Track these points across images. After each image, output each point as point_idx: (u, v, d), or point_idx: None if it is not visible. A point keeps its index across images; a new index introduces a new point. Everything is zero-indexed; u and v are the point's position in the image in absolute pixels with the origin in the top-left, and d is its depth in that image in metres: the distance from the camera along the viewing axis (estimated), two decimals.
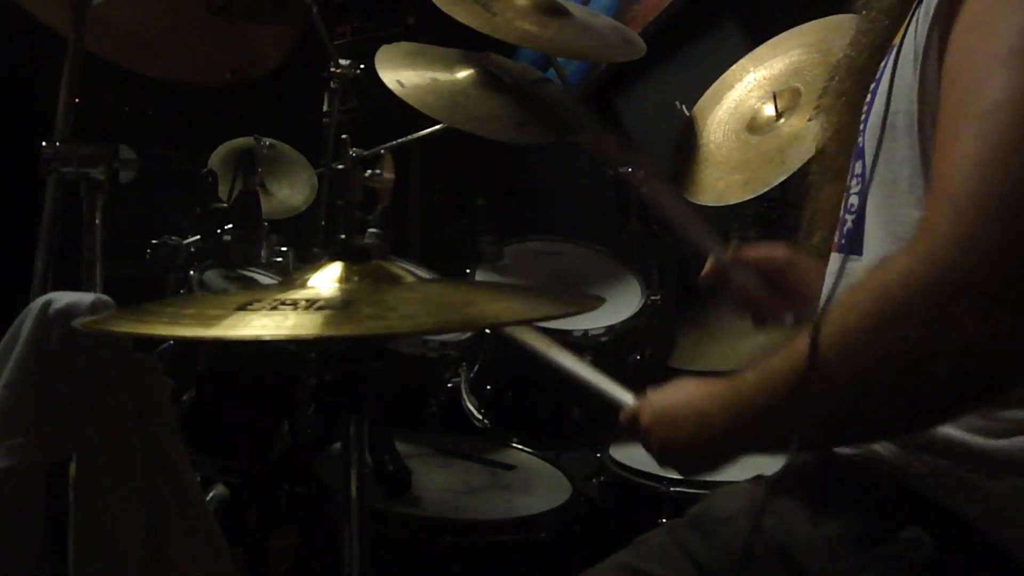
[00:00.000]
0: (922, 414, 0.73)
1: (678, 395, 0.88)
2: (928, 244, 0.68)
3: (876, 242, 0.84)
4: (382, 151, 1.61)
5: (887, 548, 0.79)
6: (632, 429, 0.93)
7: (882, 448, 0.83)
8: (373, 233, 1.76)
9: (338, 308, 0.73)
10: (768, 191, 1.74)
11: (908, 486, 0.81)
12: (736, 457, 0.85)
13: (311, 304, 0.71)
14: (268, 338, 0.64)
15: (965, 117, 0.71)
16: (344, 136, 1.00)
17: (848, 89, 0.98)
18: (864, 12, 0.94)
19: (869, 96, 0.89)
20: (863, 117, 0.89)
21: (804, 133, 1.72)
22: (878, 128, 0.83)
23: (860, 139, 0.89)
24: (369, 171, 0.94)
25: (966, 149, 0.69)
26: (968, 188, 0.67)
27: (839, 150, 0.98)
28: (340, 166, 0.86)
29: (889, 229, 0.82)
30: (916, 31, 0.80)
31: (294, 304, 0.72)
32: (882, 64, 0.87)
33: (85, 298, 1.12)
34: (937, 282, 0.66)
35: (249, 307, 0.73)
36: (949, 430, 0.80)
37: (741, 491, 0.97)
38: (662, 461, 0.91)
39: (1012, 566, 0.76)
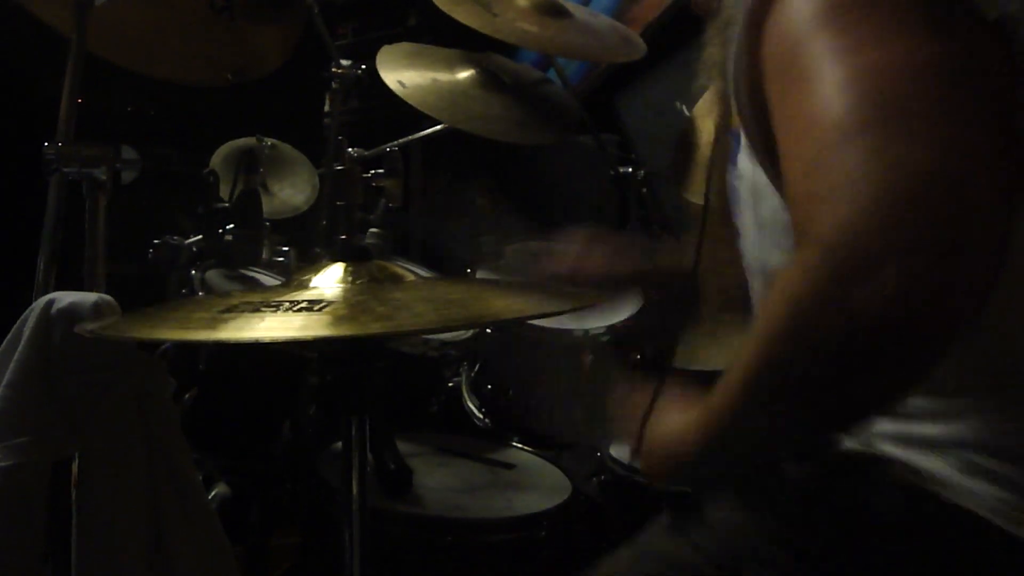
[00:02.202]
0: (856, 406, 0.71)
1: (659, 427, 0.90)
2: (801, 252, 0.68)
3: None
4: (387, 150, 1.61)
5: (866, 534, 0.82)
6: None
7: (849, 442, 0.86)
8: (374, 233, 1.77)
9: (342, 308, 0.73)
10: None
11: (881, 473, 0.83)
12: (723, 474, 0.88)
13: (313, 305, 0.72)
14: (271, 340, 0.65)
15: (791, 132, 0.72)
16: (340, 137, 1.00)
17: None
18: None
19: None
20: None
21: None
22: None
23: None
24: (371, 171, 0.94)
25: (797, 154, 0.70)
26: (807, 187, 0.68)
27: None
28: (339, 167, 0.86)
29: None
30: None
31: (297, 306, 0.72)
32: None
33: (88, 298, 1.12)
34: (817, 283, 0.66)
35: (237, 309, 0.73)
36: (884, 422, 0.83)
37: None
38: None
39: (988, 534, 0.78)
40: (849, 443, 0.86)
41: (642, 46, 2.01)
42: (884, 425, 0.84)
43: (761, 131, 0.78)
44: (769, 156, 0.78)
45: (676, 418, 0.87)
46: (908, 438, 0.82)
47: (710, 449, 0.81)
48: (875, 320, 0.63)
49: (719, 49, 0.90)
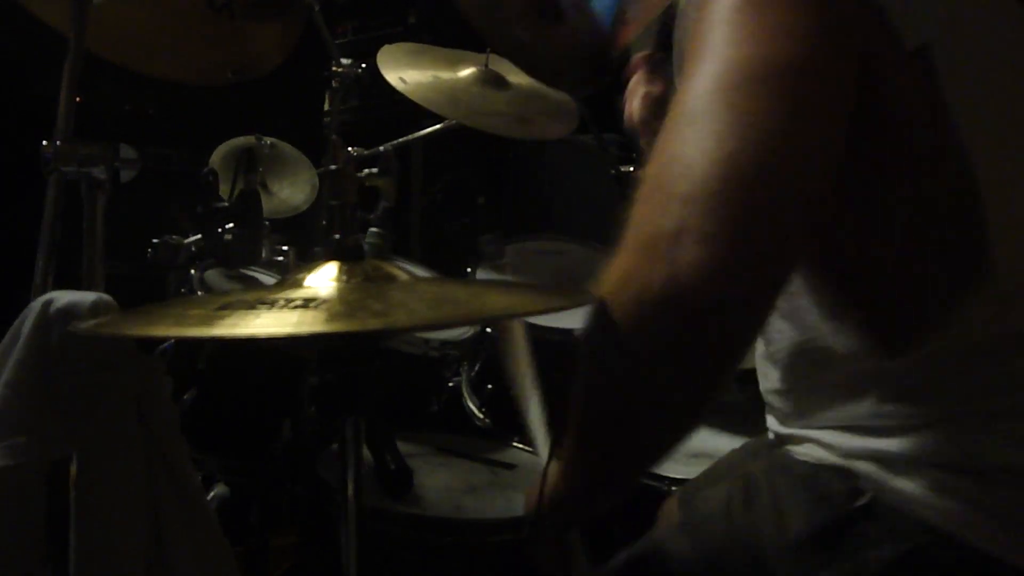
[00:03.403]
0: (682, 387, 0.72)
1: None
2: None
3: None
4: (381, 149, 1.61)
5: (848, 545, 0.82)
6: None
7: (826, 455, 0.87)
8: (374, 232, 1.77)
9: (337, 305, 0.73)
10: None
11: (855, 487, 0.83)
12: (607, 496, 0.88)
13: (309, 302, 0.71)
14: (266, 336, 0.65)
15: None
16: (335, 136, 1.00)
17: None
18: None
19: None
20: None
21: None
22: None
23: None
24: (366, 170, 0.94)
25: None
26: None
27: None
28: (333, 166, 0.86)
29: None
30: None
31: (292, 303, 0.72)
32: None
33: (86, 297, 1.12)
34: (630, 242, 0.70)
35: (233, 306, 0.73)
36: (855, 439, 0.84)
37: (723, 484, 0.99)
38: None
39: (967, 556, 0.78)
40: (830, 458, 0.86)
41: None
42: (856, 442, 0.84)
43: None
44: None
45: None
46: (880, 456, 0.82)
47: (576, 474, 0.82)
48: (648, 297, 0.66)
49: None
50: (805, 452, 0.90)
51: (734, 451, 1.19)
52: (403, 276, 0.85)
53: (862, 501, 0.82)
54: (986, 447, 0.79)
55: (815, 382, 0.89)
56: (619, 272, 0.71)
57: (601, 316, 0.71)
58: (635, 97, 1.18)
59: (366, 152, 1.86)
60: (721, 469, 1.17)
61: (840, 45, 0.72)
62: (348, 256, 0.83)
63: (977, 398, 0.80)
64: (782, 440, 0.96)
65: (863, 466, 0.83)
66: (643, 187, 0.72)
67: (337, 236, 0.84)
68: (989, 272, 0.78)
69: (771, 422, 0.99)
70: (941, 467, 0.79)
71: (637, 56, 1.21)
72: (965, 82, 0.79)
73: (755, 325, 0.71)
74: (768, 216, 0.66)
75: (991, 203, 0.78)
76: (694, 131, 0.69)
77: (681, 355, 0.68)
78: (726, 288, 0.65)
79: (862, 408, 0.84)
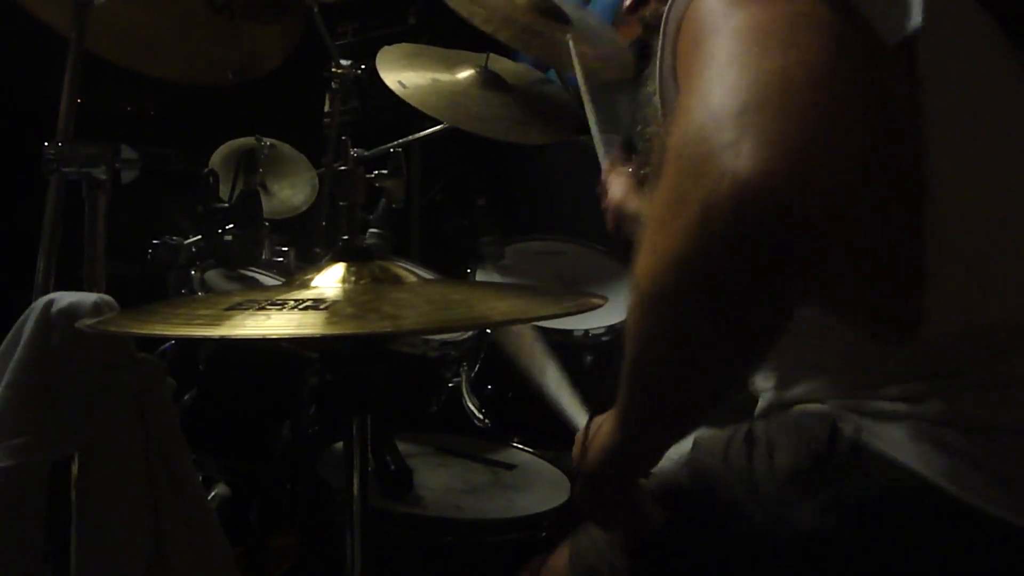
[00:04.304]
0: (739, 314, 0.69)
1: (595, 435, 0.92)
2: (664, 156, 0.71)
3: None
4: (391, 150, 1.61)
5: (830, 479, 0.84)
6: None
7: (818, 406, 0.90)
8: (374, 233, 1.77)
9: (347, 307, 0.73)
10: None
11: (837, 430, 0.86)
12: (644, 464, 0.90)
13: (318, 304, 0.72)
14: (279, 336, 0.65)
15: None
16: (344, 137, 1.00)
17: None
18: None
19: None
20: None
21: None
22: None
23: None
24: (376, 171, 0.95)
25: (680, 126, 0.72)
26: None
27: None
28: (342, 167, 0.86)
29: None
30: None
31: (302, 304, 0.72)
32: None
33: (87, 298, 1.12)
34: (677, 165, 0.68)
35: (241, 307, 0.73)
36: (845, 393, 0.87)
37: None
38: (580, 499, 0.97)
39: (948, 503, 0.80)
40: (819, 408, 0.89)
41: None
42: (845, 395, 0.87)
43: None
44: None
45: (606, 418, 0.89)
46: (867, 407, 0.85)
47: (633, 421, 0.83)
48: (714, 214, 0.63)
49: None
50: (800, 406, 0.93)
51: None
52: (410, 278, 0.85)
53: (845, 442, 0.85)
54: (975, 406, 0.82)
55: (805, 355, 0.91)
56: (668, 199, 0.68)
57: (653, 254, 0.69)
58: (613, 186, 1.18)
59: (366, 153, 1.86)
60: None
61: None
62: (356, 257, 0.83)
63: (970, 370, 0.83)
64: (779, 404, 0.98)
65: (849, 414, 0.86)
66: (677, 123, 0.70)
67: (345, 237, 0.84)
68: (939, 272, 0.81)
69: (763, 401, 1.01)
70: (928, 420, 0.82)
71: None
72: (943, 80, 0.81)
73: (827, 238, 0.65)
74: (834, 122, 0.65)
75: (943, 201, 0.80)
76: (726, 63, 0.69)
77: (758, 266, 0.64)
78: (801, 188, 0.63)
79: (851, 372, 0.88)
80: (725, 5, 0.74)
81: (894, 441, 0.83)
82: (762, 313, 0.69)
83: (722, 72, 0.69)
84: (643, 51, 1.11)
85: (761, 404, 1.02)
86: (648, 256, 0.70)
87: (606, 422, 0.89)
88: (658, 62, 0.87)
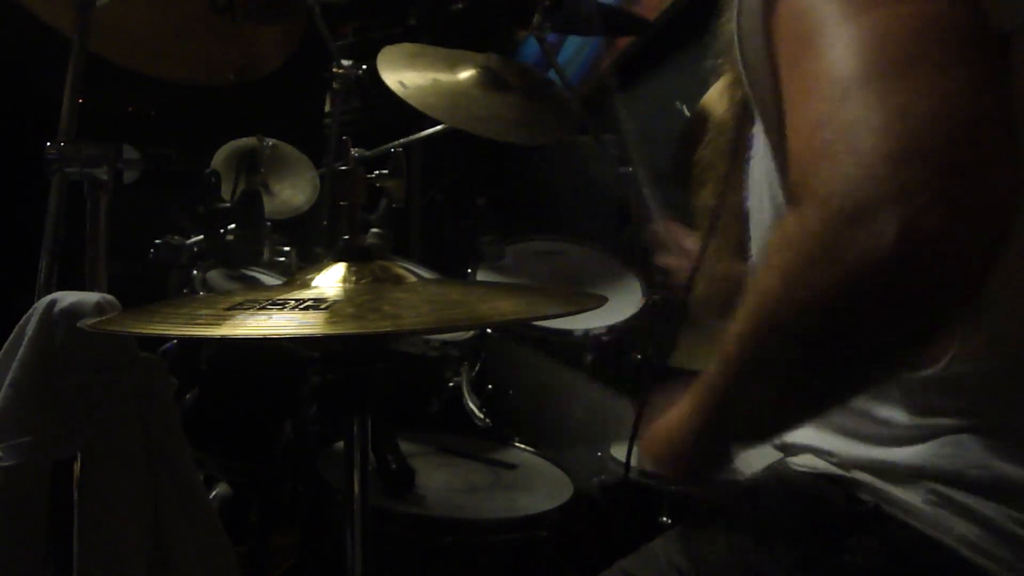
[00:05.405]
0: (859, 362, 0.68)
1: (659, 421, 0.90)
2: (797, 207, 0.66)
3: None
4: (392, 150, 1.62)
5: (837, 559, 0.81)
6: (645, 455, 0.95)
7: (825, 466, 0.87)
8: (375, 233, 1.77)
9: (348, 307, 0.73)
10: None
11: (854, 497, 0.83)
12: (727, 452, 0.86)
13: (319, 303, 0.72)
14: (280, 336, 0.65)
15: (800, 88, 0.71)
16: (345, 137, 1.00)
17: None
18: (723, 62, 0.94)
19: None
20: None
21: None
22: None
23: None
24: (376, 171, 0.95)
25: (802, 114, 0.69)
26: (810, 144, 0.67)
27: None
28: (343, 167, 0.86)
29: None
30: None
31: (303, 304, 0.72)
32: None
33: (90, 298, 1.12)
34: (810, 235, 0.64)
35: (242, 307, 0.74)
36: (861, 448, 0.83)
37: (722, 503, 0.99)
38: (668, 476, 0.93)
39: (956, 565, 0.78)
40: (828, 467, 0.87)
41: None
42: (856, 449, 0.84)
43: (776, 107, 0.76)
44: (781, 133, 0.77)
45: (674, 409, 0.86)
46: (880, 466, 0.82)
47: (711, 426, 0.81)
48: (870, 269, 0.60)
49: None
50: (803, 463, 0.91)
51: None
52: (410, 278, 0.85)
53: (860, 511, 0.82)
54: (996, 462, 0.78)
55: None
56: (810, 248, 0.64)
57: (791, 301, 0.66)
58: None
59: (367, 153, 1.87)
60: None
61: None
62: (357, 257, 0.83)
63: (997, 415, 0.79)
64: (783, 449, 0.96)
65: (862, 476, 0.83)
66: (806, 164, 0.66)
67: (346, 237, 0.84)
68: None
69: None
70: (943, 480, 0.79)
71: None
72: None
73: (977, 290, 0.64)
74: (991, 169, 0.61)
75: None
76: (868, 96, 0.63)
77: (906, 323, 0.63)
78: (961, 248, 0.60)
79: (866, 416, 0.84)
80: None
81: (910, 505, 0.80)
82: (891, 358, 0.68)
83: (865, 104, 0.63)
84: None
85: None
86: (784, 291, 0.67)
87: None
88: (736, 39, 0.81)
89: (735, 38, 0.81)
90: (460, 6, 2.78)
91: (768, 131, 0.83)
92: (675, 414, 0.86)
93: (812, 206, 0.64)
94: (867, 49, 0.65)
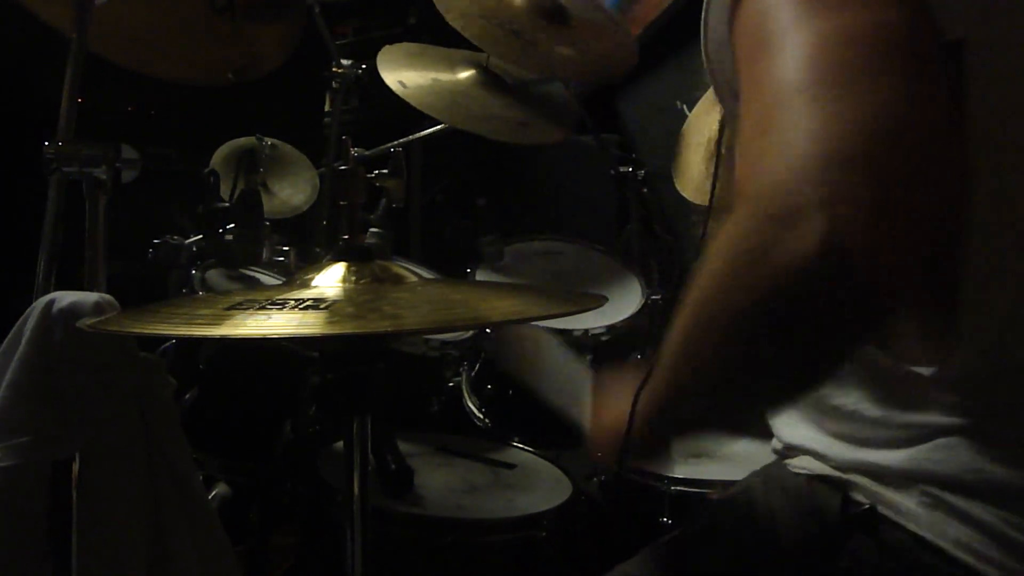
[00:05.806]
0: (795, 361, 0.69)
1: (609, 407, 0.91)
2: (735, 209, 0.68)
3: None
4: (391, 150, 1.62)
5: (833, 561, 0.82)
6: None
7: (821, 468, 0.87)
8: (374, 233, 1.77)
9: (348, 307, 0.73)
10: None
11: (850, 499, 0.83)
12: (665, 442, 0.90)
13: (319, 303, 0.72)
14: (280, 336, 0.65)
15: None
16: (345, 137, 1.00)
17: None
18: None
19: None
20: None
21: None
22: None
23: None
24: (376, 171, 0.95)
25: (748, 116, 0.70)
26: (751, 147, 0.68)
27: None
28: (343, 167, 0.86)
29: None
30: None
31: (303, 304, 0.72)
32: None
33: (88, 297, 1.12)
34: (744, 235, 0.66)
35: (242, 307, 0.73)
36: (857, 451, 0.83)
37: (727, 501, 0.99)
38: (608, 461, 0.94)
39: (950, 566, 0.78)
40: (825, 470, 0.87)
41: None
42: (853, 453, 0.84)
43: (734, 97, 0.77)
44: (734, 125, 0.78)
45: (623, 395, 0.87)
46: (876, 469, 0.82)
47: (652, 416, 0.82)
48: (796, 271, 0.62)
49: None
50: (799, 465, 0.91)
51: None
52: (410, 278, 0.85)
53: (856, 513, 0.82)
54: (988, 465, 0.77)
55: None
56: (743, 248, 0.66)
57: (721, 291, 0.68)
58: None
59: (367, 152, 1.86)
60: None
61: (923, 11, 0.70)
62: (357, 257, 0.83)
63: (989, 418, 0.78)
64: (780, 451, 0.96)
65: (857, 478, 0.83)
66: (751, 166, 0.68)
67: (346, 237, 0.84)
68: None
69: (773, 426, 1.00)
70: (937, 483, 0.79)
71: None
72: (993, 83, 0.75)
73: (908, 294, 0.66)
74: (922, 178, 0.62)
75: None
76: (805, 102, 0.65)
77: (834, 322, 0.64)
78: (891, 251, 0.62)
79: (861, 418, 0.83)
80: (794, 4, 0.69)
81: (905, 508, 0.80)
82: (822, 359, 0.69)
83: (801, 110, 0.65)
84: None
85: (773, 431, 1.00)
86: (717, 292, 0.68)
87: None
88: (702, 25, 0.82)
89: (701, 24, 0.82)
90: None
91: (729, 120, 0.83)
92: (623, 403, 0.86)
93: (745, 207, 0.66)
94: (809, 56, 0.67)
